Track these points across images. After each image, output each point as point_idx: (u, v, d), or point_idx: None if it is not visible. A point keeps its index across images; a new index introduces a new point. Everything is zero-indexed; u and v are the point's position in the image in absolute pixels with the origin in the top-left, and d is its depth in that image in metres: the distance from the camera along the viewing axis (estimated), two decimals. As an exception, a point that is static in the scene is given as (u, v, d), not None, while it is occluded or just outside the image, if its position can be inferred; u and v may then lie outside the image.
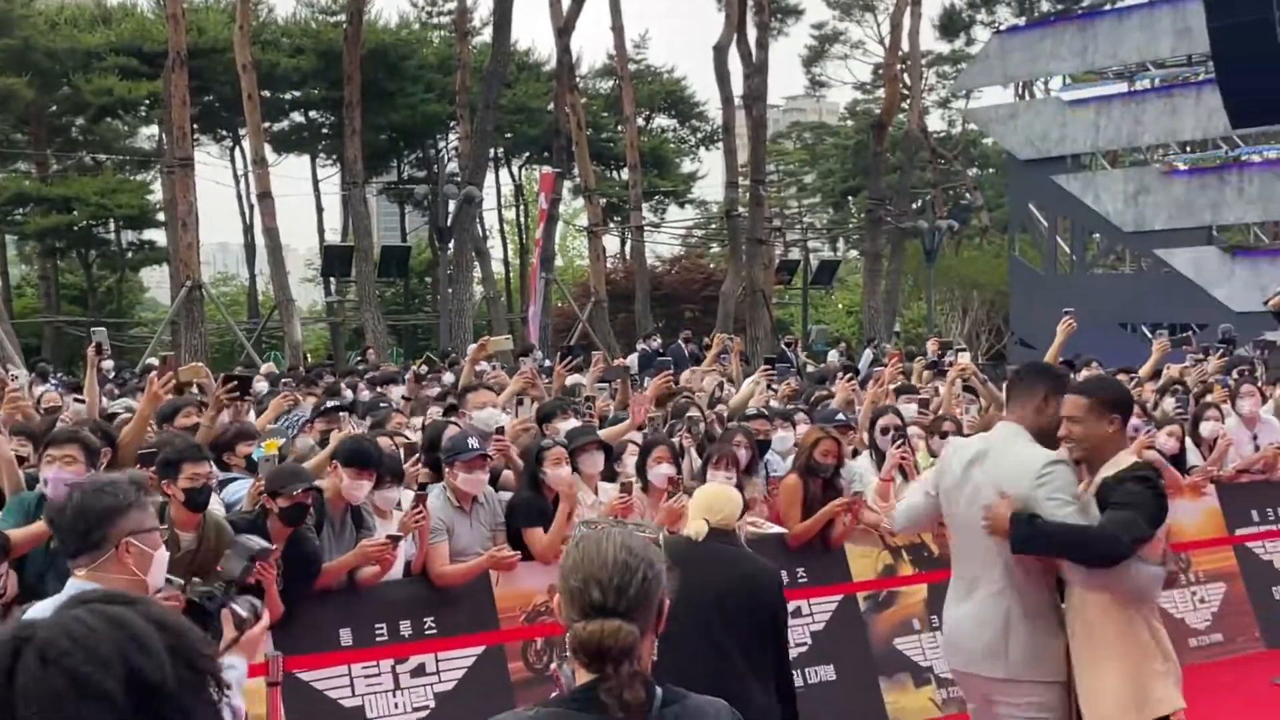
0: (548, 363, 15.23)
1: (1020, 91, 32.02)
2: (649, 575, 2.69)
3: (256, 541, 4.34)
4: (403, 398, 12.44)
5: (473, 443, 7.34)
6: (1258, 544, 10.44)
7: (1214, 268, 25.07)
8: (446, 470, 7.36)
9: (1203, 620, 9.88)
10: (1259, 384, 11.80)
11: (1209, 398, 11.41)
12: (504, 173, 51.60)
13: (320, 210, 47.65)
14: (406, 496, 7.23)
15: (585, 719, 2.61)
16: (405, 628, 7.00)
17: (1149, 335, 21.00)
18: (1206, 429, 10.49)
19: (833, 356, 23.35)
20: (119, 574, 3.81)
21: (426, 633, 7.04)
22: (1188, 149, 26.91)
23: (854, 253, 55.71)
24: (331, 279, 37.57)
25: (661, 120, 53.38)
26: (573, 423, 8.75)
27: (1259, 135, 25.35)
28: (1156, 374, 12.92)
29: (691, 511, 5.18)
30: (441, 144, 48.78)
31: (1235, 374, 12.94)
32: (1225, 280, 24.63)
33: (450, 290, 31.00)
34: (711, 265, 48.69)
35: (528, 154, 49.74)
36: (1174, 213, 25.93)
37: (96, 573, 3.79)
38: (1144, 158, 28.21)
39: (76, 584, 3.74)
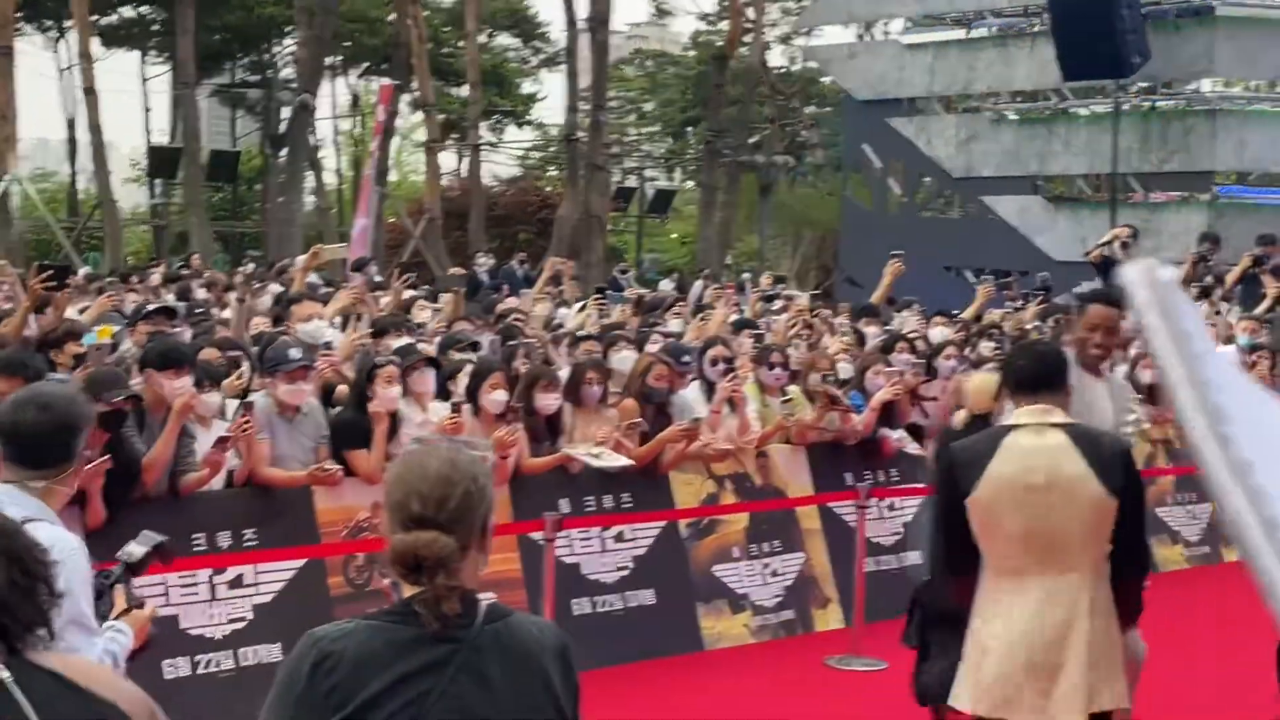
0: (378, 278, 15.02)
1: (861, 32, 32.32)
2: (471, 490, 2.68)
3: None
4: (236, 299, 12.15)
5: (294, 353, 7.23)
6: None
7: (1038, 217, 25.73)
8: (269, 380, 7.26)
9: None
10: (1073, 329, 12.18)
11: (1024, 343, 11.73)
12: (341, 82, 50.50)
13: (148, 110, 46.14)
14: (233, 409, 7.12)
15: (401, 631, 2.60)
16: (224, 539, 6.90)
17: (973, 279, 21.53)
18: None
19: (665, 285, 23.46)
20: (69, 488, 3.73)
21: (246, 544, 6.95)
22: (1019, 99, 27.48)
23: (690, 184, 55.87)
24: (157, 181, 36.48)
25: (504, 39, 52.69)
26: (404, 341, 8.68)
27: (1088, 89, 25.99)
28: (978, 318, 13.25)
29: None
30: (277, 49, 47.51)
31: (1051, 322, 13.33)
32: (1048, 229, 25.29)
33: (281, 199, 30.36)
34: (548, 189, 48.40)
35: (366, 65, 48.69)
36: (1002, 161, 26.51)
37: (57, 485, 3.68)
38: (977, 105, 28.73)
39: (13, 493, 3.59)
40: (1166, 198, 24.17)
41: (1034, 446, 4.48)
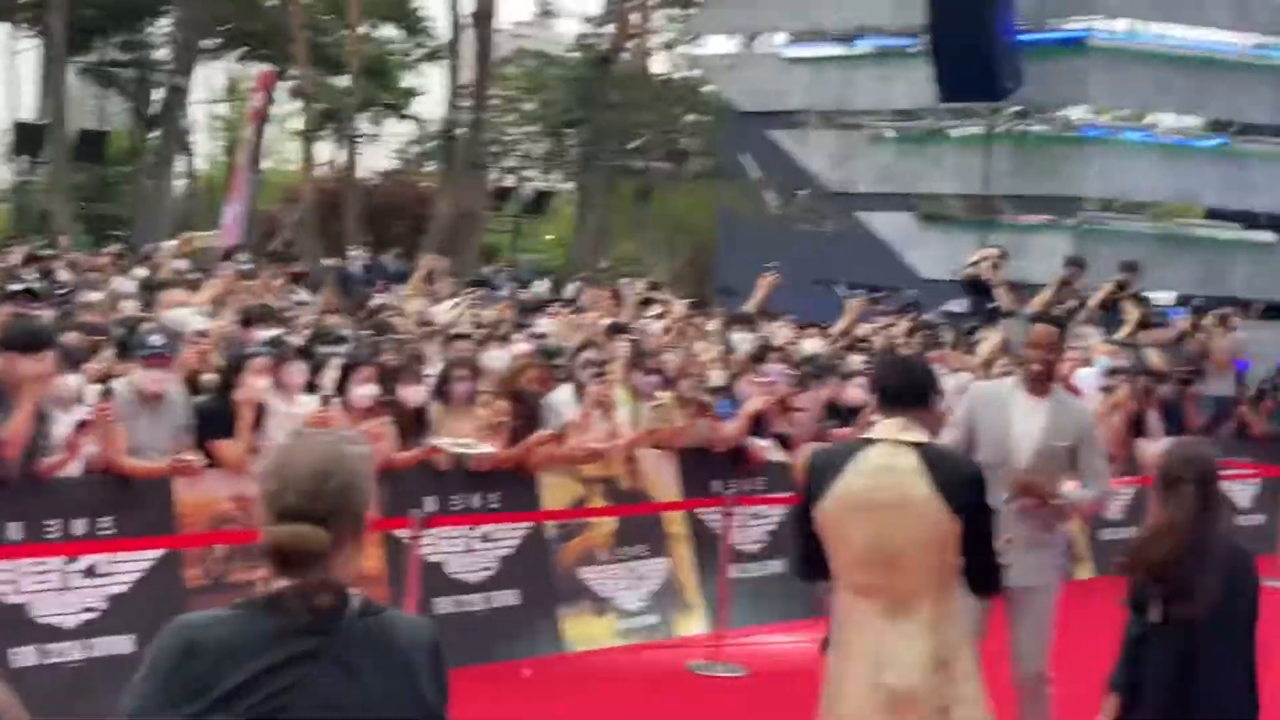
0: (247, 266, 14.75)
1: (745, 43, 32.49)
2: (349, 483, 2.64)
3: None
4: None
5: (154, 340, 7.07)
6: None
7: (910, 234, 26.08)
8: (129, 365, 7.09)
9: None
10: (942, 348, 12.39)
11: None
12: (217, 66, 49.59)
13: (13, 84, 44.86)
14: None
15: (271, 622, 2.55)
16: (79, 526, 6.73)
17: (844, 293, 21.78)
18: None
19: (538, 287, 23.39)
20: None
21: (101, 533, 6.78)
22: (896, 117, 27.84)
23: (568, 186, 55.82)
24: (22, 158, 35.45)
25: (387, 30, 52.18)
26: (272, 332, 8.55)
27: (963, 111, 26.41)
28: (849, 331, 13.41)
29: None
30: (152, 28, 46.52)
31: (920, 337, 13.54)
32: (919, 247, 25.64)
33: (150, 182, 29.73)
34: (426, 184, 48.00)
35: (244, 49, 47.92)
36: (878, 178, 26.82)
37: None
38: (855, 122, 29.05)
39: None
40: (1034, 221, 24.67)
41: (885, 464, 4.44)
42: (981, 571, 4.58)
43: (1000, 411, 6.13)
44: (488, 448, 8.04)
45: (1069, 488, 6.12)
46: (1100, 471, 6.21)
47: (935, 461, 4.44)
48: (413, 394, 7.98)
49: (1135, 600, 4.82)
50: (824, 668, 4.65)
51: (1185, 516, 4.70)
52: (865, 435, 4.68)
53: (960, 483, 4.43)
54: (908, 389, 4.61)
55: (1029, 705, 6.12)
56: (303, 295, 11.86)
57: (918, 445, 4.47)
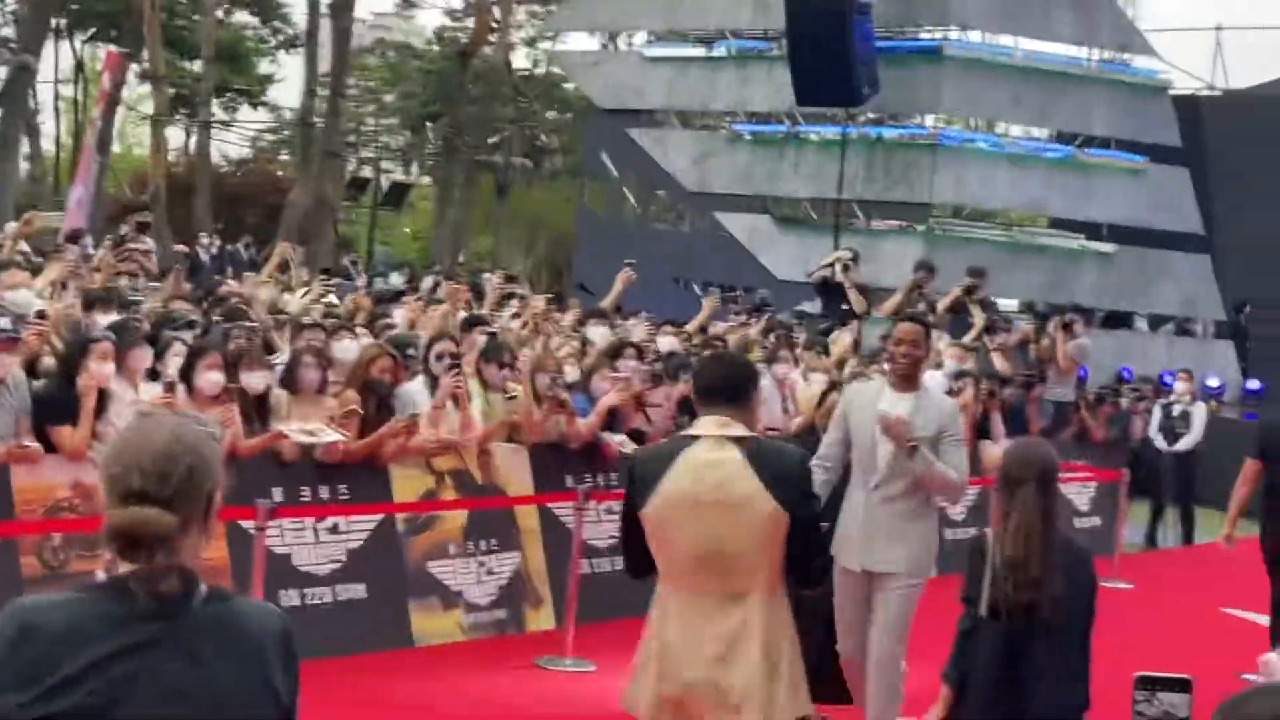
0: (91, 250, 14.39)
1: (606, 41, 32.55)
2: (196, 466, 2.57)
3: None
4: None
5: (2, 323, 6.87)
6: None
7: (765, 236, 26.34)
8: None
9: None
10: (795, 349, 12.54)
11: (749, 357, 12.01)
12: (65, 46, 48.33)
13: None
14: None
15: (114, 607, 2.47)
16: (-92, 514, 6.51)
17: (700, 293, 21.93)
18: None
19: (395, 279, 23.20)
20: None
21: (-68, 521, 6.57)
22: (754, 120, 28.10)
23: (427, 179, 55.41)
24: None
25: (242, 16, 51.28)
26: (113, 316, 8.34)
27: (819, 115, 26.75)
28: (704, 329, 13.50)
29: None
30: (-3, 5, 45.18)
31: (773, 338, 13.68)
32: (774, 249, 25.91)
33: (-8, 163, 28.83)
34: (280, 172, 47.30)
35: (94, 30, 46.75)
36: (735, 179, 27.04)
37: None
38: (714, 123, 29.26)
39: None
40: (886, 226, 25.08)
41: (709, 460, 4.41)
42: (807, 563, 4.57)
43: (868, 408, 6.49)
44: (335, 434, 7.92)
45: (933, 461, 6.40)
46: (957, 463, 6.51)
47: (760, 456, 4.42)
48: (255, 380, 7.84)
49: (967, 595, 5.04)
50: (636, 661, 4.58)
51: (1027, 516, 4.91)
52: (687, 433, 4.63)
53: (787, 475, 4.43)
54: (726, 385, 4.58)
55: (879, 689, 6.42)
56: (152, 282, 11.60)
57: (741, 441, 4.46)
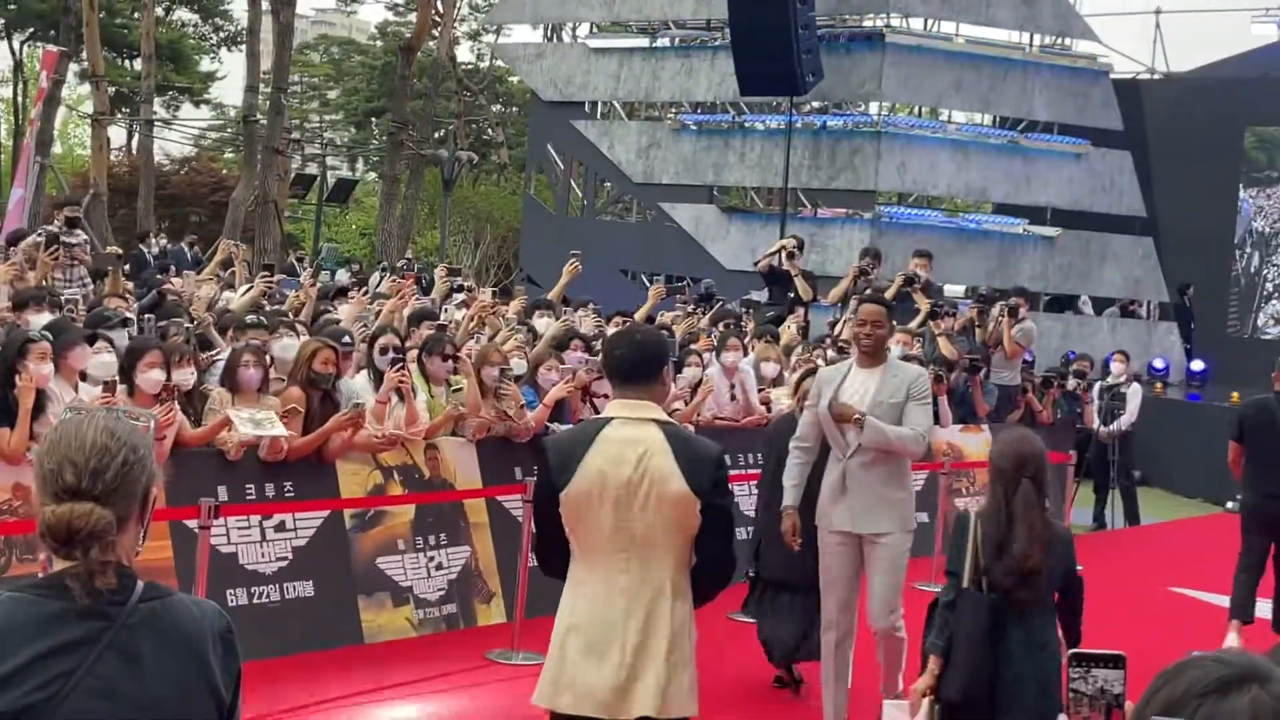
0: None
1: (549, 34, 32.48)
2: (130, 460, 2.54)
3: None
4: None
5: None
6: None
7: (712, 226, 26.37)
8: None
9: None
10: (743, 338, 12.56)
11: (694, 346, 12.02)
12: (3, 47, 47.79)
13: None
14: None
15: (48, 605, 2.44)
16: None
17: (647, 283, 21.95)
18: (688, 374, 11.05)
19: (342, 276, 23.07)
20: None
21: None
22: (699, 110, 28.14)
23: (372, 174, 55.16)
24: None
25: (183, 13, 50.93)
26: (46, 316, 8.24)
27: (763, 105, 26.80)
28: (650, 319, 13.49)
29: None
30: (-68, 6, 44.63)
31: (721, 326, 13.70)
32: (721, 238, 25.96)
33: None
34: (224, 170, 46.97)
35: (32, 30, 46.26)
36: (680, 169, 27.07)
37: None
38: (658, 113, 29.28)
39: None
40: (833, 213, 25.16)
41: (628, 438, 4.41)
42: (712, 561, 4.52)
43: (833, 386, 6.95)
44: (280, 428, 7.82)
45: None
46: (917, 421, 6.88)
47: (677, 440, 4.45)
48: (185, 377, 7.76)
49: (951, 569, 5.45)
50: (551, 645, 4.55)
51: (1026, 510, 5.33)
52: (602, 415, 4.63)
53: (701, 461, 4.42)
54: (640, 364, 4.57)
55: (885, 648, 7.03)
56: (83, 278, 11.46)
57: (660, 422, 4.48)
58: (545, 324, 11.82)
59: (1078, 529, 14.03)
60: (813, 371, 8.41)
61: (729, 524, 4.55)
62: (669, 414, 4.71)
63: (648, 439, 4.41)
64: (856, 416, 6.76)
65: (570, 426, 4.86)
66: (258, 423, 7.72)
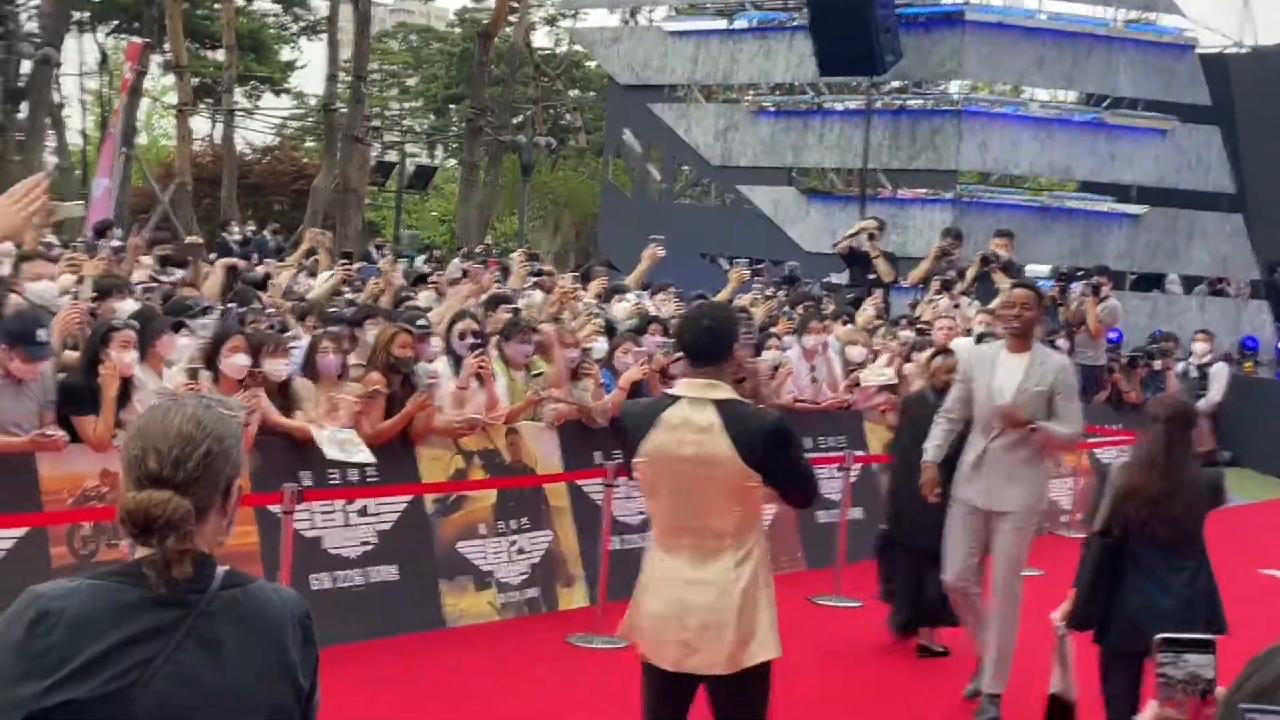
0: (116, 243, 14.42)
1: (626, 18, 32.47)
2: (214, 450, 2.53)
3: None
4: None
5: (41, 335, 6.81)
6: (807, 469, 11.07)
7: (791, 208, 26.27)
8: (2, 347, 6.81)
9: (751, 538, 10.39)
10: (824, 320, 12.47)
11: (774, 329, 11.96)
12: (89, 39, 48.53)
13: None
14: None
15: (128, 593, 2.44)
16: (-64, 505, 6.51)
17: (726, 266, 21.87)
18: (767, 357, 10.99)
19: (420, 262, 23.19)
20: None
21: (-39, 511, 6.58)
22: (777, 91, 28.01)
23: (451, 161, 55.46)
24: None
25: (263, 3, 51.40)
26: (131, 304, 8.31)
27: (842, 85, 26.62)
28: (730, 302, 13.42)
29: None
30: (20, 1, 45.37)
31: (801, 309, 13.61)
32: (800, 221, 25.85)
33: (18, 158, 28.94)
34: (305, 159, 47.42)
35: (117, 22, 46.92)
36: (759, 152, 26.97)
37: None
38: (736, 96, 29.18)
39: None
40: (913, 194, 24.96)
41: (687, 420, 4.63)
42: (795, 490, 4.85)
43: (986, 368, 7.28)
44: (367, 455, 7.87)
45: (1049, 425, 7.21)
46: (1072, 413, 7.23)
47: (733, 419, 4.62)
48: (278, 368, 7.81)
49: (1088, 516, 6.26)
50: (630, 607, 4.87)
51: (1154, 449, 5.94)
52: (671, 393, 4.83)
53: (756, 436, 4.61)
54: (707, 345, 4.75)
55: (1002, 621, 7.33)
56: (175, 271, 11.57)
57: (719, 403, 4.65)
58: (623, 309, 11.80)
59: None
60: (943, 350, 8.91)
61: (795, 470, 4.76)
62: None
63: (706, 420, 4.61)
64: (1032, 427, 7.11)
65: (644, 400, 4.97)
66: (341, 445, 7.77)
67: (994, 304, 13.58)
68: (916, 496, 7.83)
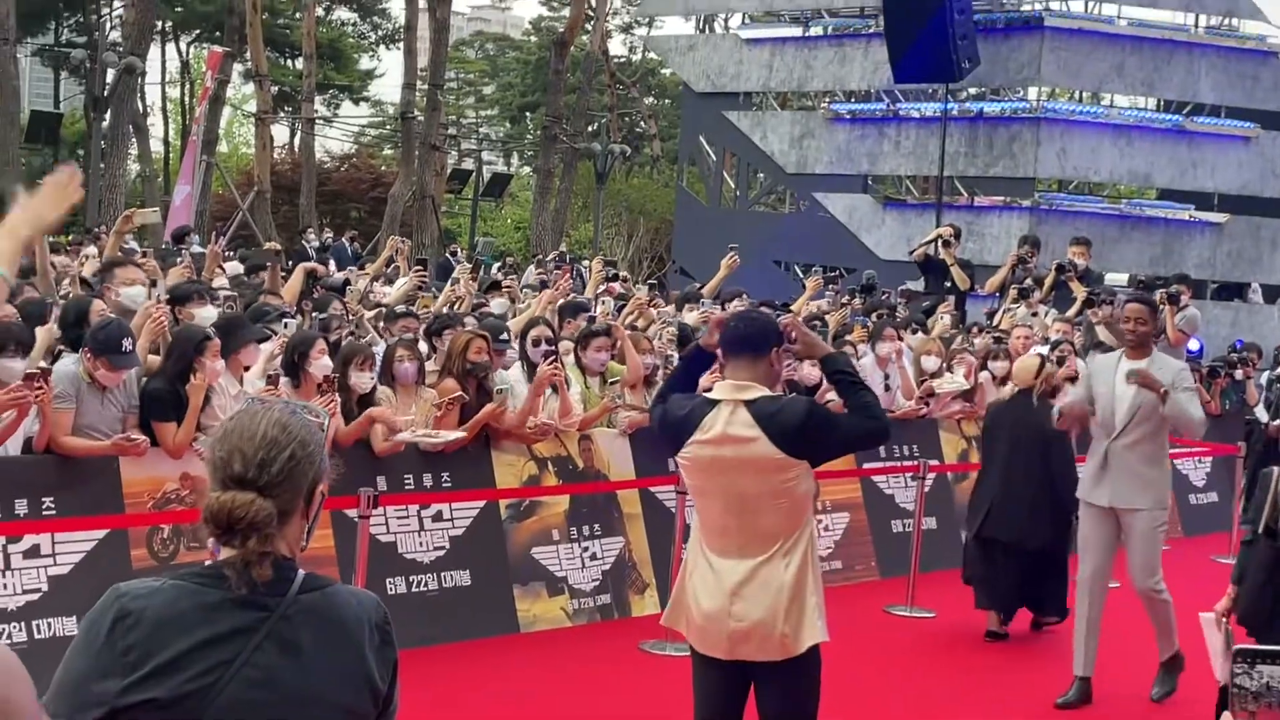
0: (196, 249, 14.62)
1: (701, 25, 32.47)
2: (298, 455, 2.58)
3: None
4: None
5: (127, 345, 6.90)
6: (881, 479, 11.02)
7: (867, 215, 26.16)
8: (88, 355, 6.90)
9: (825, 547, 10.37)
10: (898, 328, 12.39)
11: (848, 337, 11.89)
12: (171, 49, 49.29)
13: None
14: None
15: (209, 594, 2.49)
16: (21, 506, 6.63)
17: (801, 274, 21.83)
18: (845, 365, 10.93)
19: (496, 269, 23.31)
20: None
21: (44, 513, 6.69)
22: (852, 98, 27.90)
23: (527, 169, 55.73)
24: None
25: (342, 13, 51.98)
26: (210, 310, 8.39)
27: (917, 92, 26.47)
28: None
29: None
30: (105, 10, 46.15)
31: (875, 317, 13.53)
32: (876, 228, 25.74)
33: (103, 165, 29.42)
34: (382, 167, 47.84)
35: (198, 31, 47.64)
36: (834, 159, 26.89)
37: None
38: (811, 103, 29.10)
39: None
40: (990, 202, 24.77)
41: (724, 423, 4.71)
42: (860, 447, 5.41)
43: (1109, 374, 7.68)
44: (455, 433, 8.01)
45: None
46: (1195, 405, 7.63)
47: (765, 415, 4.69)
48: (364, 380, 7.88)
49: (1250, 518, 6.35)
50: (674, 596, 5.02)
51: None
52: (709, 396, 4.88)
53: (791, 427, 4.67)
54: (748, 337, 4.84)
55: (1152, 611, 7.76)
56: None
57: (751, 403, 4.72)
58: (694, 317, 11.80)
59: (1245, 526, 13.60)
60: (1049, 359, 9.62)
61: (846, 440, 4.93)
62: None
63: (741, 420, 4.68)
64: (1164, 390, 7.41)
65: (682, 399, 5.00)
66: (432, 434, 7.97)
67: (1070, 312, 13.46)
68: (1003, 492, 8.93)
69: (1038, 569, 9.07)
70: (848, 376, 4.89)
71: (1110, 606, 7.88)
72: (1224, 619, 5.91)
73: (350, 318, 9.48)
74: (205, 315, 8.09)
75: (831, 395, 6.60)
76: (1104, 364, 7.96)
